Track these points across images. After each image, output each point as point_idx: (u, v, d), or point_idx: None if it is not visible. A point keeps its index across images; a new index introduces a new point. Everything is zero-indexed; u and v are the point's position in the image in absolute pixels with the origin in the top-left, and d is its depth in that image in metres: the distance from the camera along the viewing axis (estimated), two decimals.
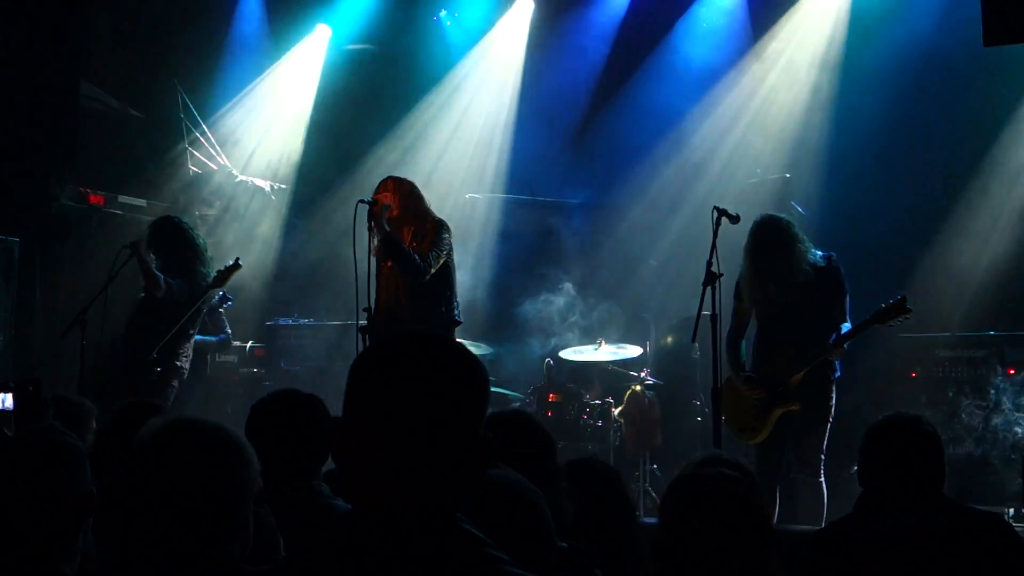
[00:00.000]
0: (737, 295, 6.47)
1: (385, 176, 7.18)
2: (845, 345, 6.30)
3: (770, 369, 6.42)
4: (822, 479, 6.36)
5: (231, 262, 7.66)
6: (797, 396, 6.33)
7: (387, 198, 6.83)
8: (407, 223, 6.90)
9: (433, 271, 6.78)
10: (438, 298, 6.89)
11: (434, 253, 6.78)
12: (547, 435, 3.19)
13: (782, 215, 6.60)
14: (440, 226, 6.92)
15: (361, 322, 6.87)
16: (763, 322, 6.60)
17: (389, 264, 6.86)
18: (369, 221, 6.80)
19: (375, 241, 6.84)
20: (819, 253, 6.48)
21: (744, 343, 6.59)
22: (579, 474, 3.32)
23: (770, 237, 6.39)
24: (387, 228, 6.75)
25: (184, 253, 7.71)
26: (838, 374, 6.50)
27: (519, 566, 1.87)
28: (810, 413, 6.35)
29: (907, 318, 6.20)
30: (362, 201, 6.83)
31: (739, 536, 2.58)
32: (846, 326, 6.36)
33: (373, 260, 6.89)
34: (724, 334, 6.34)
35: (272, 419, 3.51)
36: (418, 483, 1.88)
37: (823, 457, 6.37)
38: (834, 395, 6.46)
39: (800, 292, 6.37)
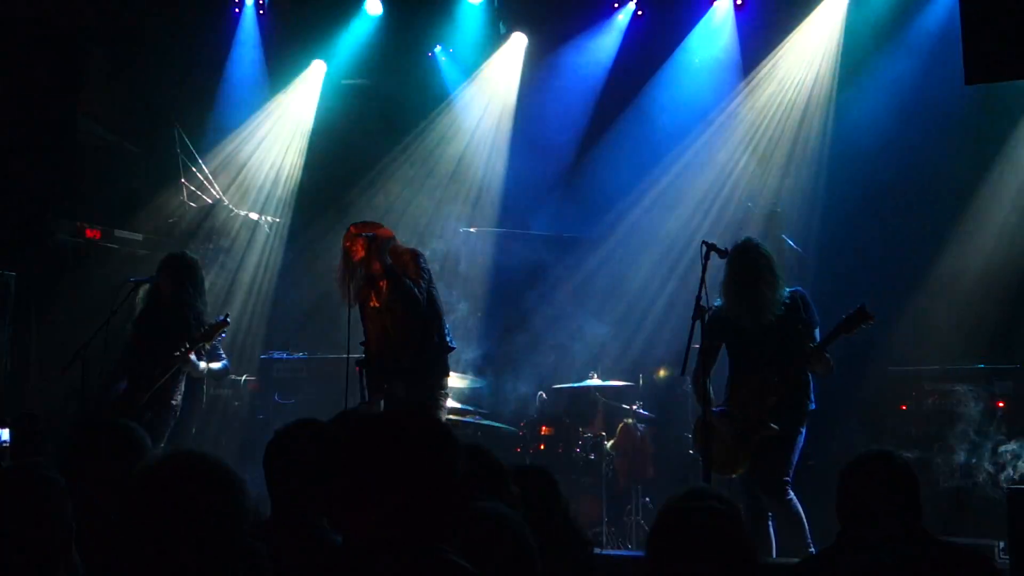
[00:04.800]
0: (707, 333, 6.40)
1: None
2: (827, 354, 6.33)
3: (743, 398, 6.48)
4: (790, 497, 6.39)
5: (219, 318, 7.67)
6: (772, 420, 6.38)
7: (387, 232, 6.89)
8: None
9: (423, 301, 6.85)
10: (429, 327, 6.92)
11: (421, 284, 6.85)
12: (499, 465, 3.24)
13: (761, 243, 6.67)
14: (417, 255, 7.00)
15: (357, 356, 6.92)
16: (734, 356, 6.66)
17: (373, 304, 6.92)
18: (369, 254, 6.85)
19: (355, 279, 6.89)
20: (787, 290, 6.56)
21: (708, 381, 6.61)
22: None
23: (749, 264, 6.47)
24: (389, 261, 6.81)
25: (185, 291, 7.76)
26: (813, 407, 6.55)
27: None
28: (779, 439, 6.38)
29: (871, 323, 6.23)
30: (364, 235, 6.88)
31: (725, 568, 2.63)
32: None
33: (357, 301, 6.96)
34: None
35: (284, 451, 3.56)
36: (398, 521, 2.04)
37: (788, 479, 6.40)
38: (804, 426, 6.51)
39: (770, 326, 6.45)
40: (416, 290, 6.79)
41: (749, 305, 6.47)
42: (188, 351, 7.50)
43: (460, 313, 9.78)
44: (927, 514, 3.72)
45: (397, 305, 6.86)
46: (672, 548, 2.67)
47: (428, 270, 7.00)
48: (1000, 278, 8.86)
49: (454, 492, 2.17)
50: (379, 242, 6.83)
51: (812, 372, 6.44)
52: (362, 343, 6.95)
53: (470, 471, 2.95)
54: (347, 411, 4.01)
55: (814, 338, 6.46)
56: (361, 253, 6.88)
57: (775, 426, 6.36)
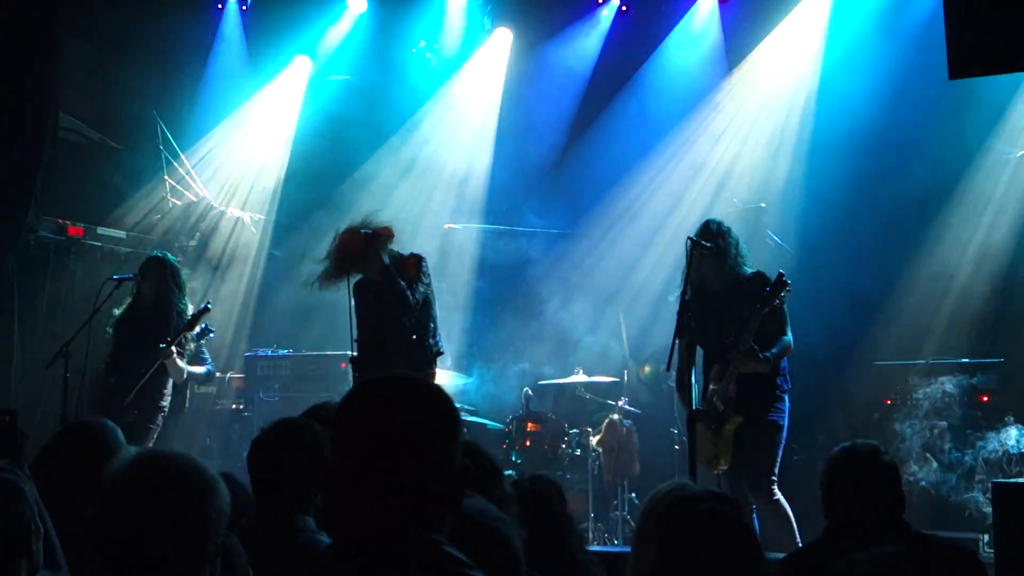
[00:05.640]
0: (679, 328, 6.22)
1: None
2: (766, 355, 6.24)
3: (710, 390, 6.45)
4: (777, 496, 6.33)
5: (202, 306, 7.69)
6: (737, 410, 6.33)
7: (388, 231, 6.90)
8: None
9: (420, 305, 6.86)
10: (423, 331, 6.94)
11: (419, 288, 6.86)
12: (492, 462, 3.23)
13: (722, 221, 6.64)
14: (420, 259, 7.02)
15: (353, 354, 6.91)
16: (702, 345, 6.63)
17: (370, 302, 6.92)
18: (367, 252, 6.83)
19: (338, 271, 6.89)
20: (749, 270, 6.52)
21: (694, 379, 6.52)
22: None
23: (709, 230, 6.47)
24: (387, 261, 6.82)
25: (168, 293, 7.74)
26: (788, 387, 6.49)
27: None
28: (754, 428, 6.33)
29: (788, 290, 6.22)
30: (363, 232, 6.86)
31: (737, 559, 2.57)
32: (786, 338, 6.38)
33: (355, 295, 6.96)
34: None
35: (268, 451, 3.54)
36: (397, 511, 2.01)
37: (774, 478, 6.34)
38: (783, 408, 6.43)
39: (724, 306, 6.41)
40: (410, 293, 6.79)
41: (712, 260, 6.41)
42: (172, 342, 7.48)
43: (446, 309, 9.76)
44: (912, 508, 3.72)
45: (391, 306, 6.86)
46: (684, 538, 2.61)
47: (428, 275, 7.02)
48: (984, 272, 8.89)
49: (457, 478, 2.10)
50: (378, 241, 6.82)
51: (746, 371, 6.29)
52: (357, 340, 6.94)
53: (463, 468, 2.93)
54: (320, 404, 4.00)
55: (781, 323, 6.41)
56: (356, 247, 6.85)
57: (739, 418, 6.31)
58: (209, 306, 7.76)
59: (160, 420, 7.65)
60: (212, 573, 2.31)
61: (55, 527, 2.95)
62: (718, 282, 6.51)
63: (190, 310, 7.82)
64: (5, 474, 2.69)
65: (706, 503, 2.67)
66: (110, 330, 7.82)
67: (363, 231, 6.84)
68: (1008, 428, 7.61)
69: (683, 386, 6.39)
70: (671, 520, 2.67)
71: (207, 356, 8.07)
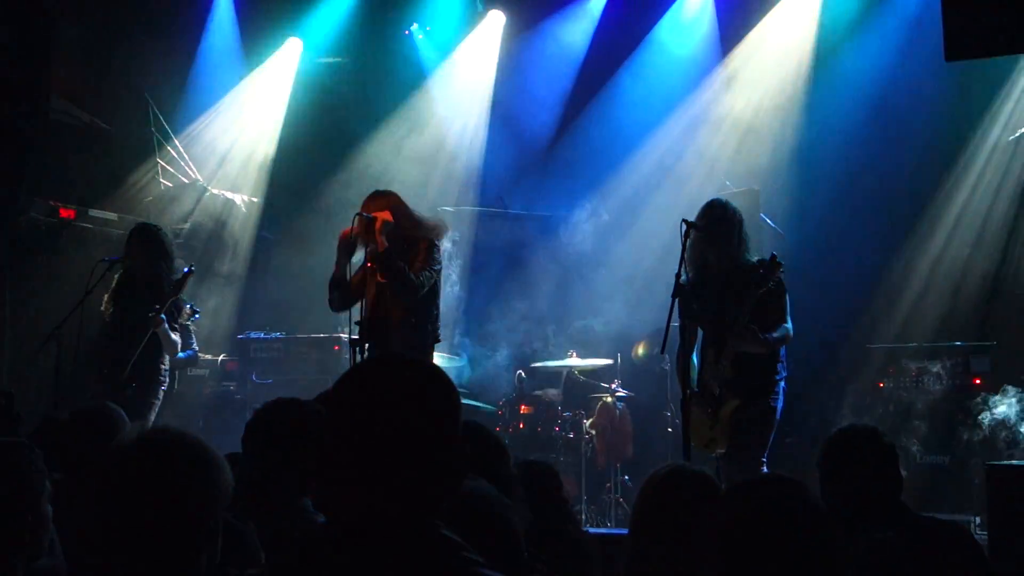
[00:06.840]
0: (681, 311, 6.17)
1: (370, 190, 7.22)
2: (765, 336, 6.13)
3: (707, 373, 6.39)
4: None
5: (185, 269, 7.60)
6: (734, 392, 6.26)
7: (387, 215, 6.89)
8: (400, 238, 6.97)
9: (424, 290, 6.85)
10: (425, 315, 6.94)
11: (426, 273, 6.85)
12: (499, 443, 3.22)
13: (727, 203, 6.56)
14: (432, 246, 6.99)
15: (353, 336, 6.91)
16: (702, 327, 6.54)
17: (380, 278, 6.91)
18: (369, 234, 6.84)
19: (368, 251, 6.91)
20: (753, 257, 6.41)
21: (695, 361, 6.46)
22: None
23: (716, 210, 6.36)
24: (387, 244, 6.82)
25: (158, 262, 7.68)
26: (785, 373, 6.42)
27: (496, 570, 1.95)
28: (750, 410, 6.23)
29: (783, 271, 6.12)
30: (361, 215, 6.85)
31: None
32: (786, 326, 6.31)
33: (362, 272, 6.97)
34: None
35: (264, 431, 3.53)
36: (395, 494, 1.98)
37: (763, 459, 6.26)
38: (779, 392, 6.34)
39: (725, 290, 6.32)
40: (410, 277, 6.78)
41: (715, 242, 6.30)
42: (161, 310, 7.42)
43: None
44: (906, 490, 3.72)
45: (390, 287, 6.87)
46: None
47: (439, 260, 7.00)
48: (978, 255, 8.91)
49: (460, 462, 2.06)
50: (378, 225, 6.83)
51: (745, 350, 6.19)
52: (357, 322, 6.93)
53: (472, 450, 2.92)
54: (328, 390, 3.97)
55: (783, 308, 6.36)
56: (358, 229, 6.87)
57: (736, 401, 6.28)
58: (193, 268, 7.66)
59: (160, 396, 7.58)
60: (214, 551, 2.30)
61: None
62: (719, 265, 6.43)
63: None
64: (20, 445, 2.69)
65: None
66: (108, 304, 7.75)
67: (363, 214, 6.84)
68: (998, 409, 7.63)
69: (683, 368, 6.35)
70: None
71: (193, 340, 8.02)
